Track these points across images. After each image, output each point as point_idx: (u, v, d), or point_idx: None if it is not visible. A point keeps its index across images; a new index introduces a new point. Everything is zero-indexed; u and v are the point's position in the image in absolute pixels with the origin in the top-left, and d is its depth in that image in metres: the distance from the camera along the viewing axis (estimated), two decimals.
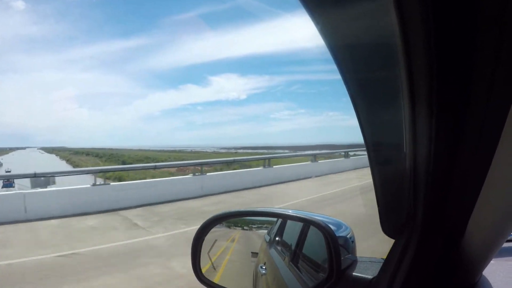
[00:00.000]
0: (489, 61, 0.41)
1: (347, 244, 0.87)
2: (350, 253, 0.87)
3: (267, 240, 1.18)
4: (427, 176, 0.57)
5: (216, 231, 1.09)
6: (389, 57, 0.49)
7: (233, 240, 1.15)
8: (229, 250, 1.18)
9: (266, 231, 1.22)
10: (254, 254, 1.19)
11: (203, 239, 1.04)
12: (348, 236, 0.88)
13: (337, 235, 0.83)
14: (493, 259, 0.88)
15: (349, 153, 21.42)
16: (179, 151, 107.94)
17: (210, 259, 1.08)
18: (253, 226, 1.15)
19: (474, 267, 0.71)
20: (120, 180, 18.99)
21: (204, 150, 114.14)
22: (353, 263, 0.85)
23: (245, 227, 1.14)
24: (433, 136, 0.51)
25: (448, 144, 0.52)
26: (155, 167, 15.28)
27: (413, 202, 0.64)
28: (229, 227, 1.13)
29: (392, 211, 0.74)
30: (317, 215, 0.90)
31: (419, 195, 0.62)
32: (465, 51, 0.42)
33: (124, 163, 39.31)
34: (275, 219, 1.14)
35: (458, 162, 0.53)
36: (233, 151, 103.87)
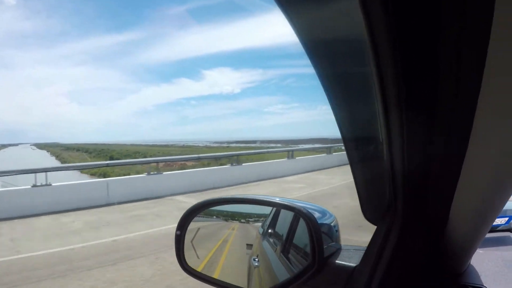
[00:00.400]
0: (452, 59, 0.42)
1: (331, 232, 0.85)
2: (334, 241, 0.85)
3: (261, 232, 1.17)
4: (403, 168, 0.58)
5: (213, 225, 1.11)
6: (361, 54, 0.49)
7: (227, 238, 1.14)
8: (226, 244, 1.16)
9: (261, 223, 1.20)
10: (249, 246, 1.17)
11: (187, 228, 1.03)
12: (332, 224, 0.87)
13: (320, 222, 0.82)
14: (481, 249, 0.91)
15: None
16: (172, 146, 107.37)
17: (194, 248, 1.06)
18: (250, 219, 1.13)
19: (460, 256, 0.71)
20: (105, 177, 18.63)
21: (196, 145, 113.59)
22: (337, 251, 0.84)
23: (242, 220, 1.13)
24: (405, 131, 0.52)
25: (421, 138, 0.53)
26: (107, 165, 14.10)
27: (393, 192, 0.64)
28: (226, 220, 1.12)
29: (372, 199, 0.74)
30: (302, 202, 0.88)
31: (398, 186, 0.62)
32: (429, 49, 0.43)
33: (111, 158, 38.82)
34: (267, 211, 1.12)
35: (433, 155, 0.54)
36: (225, 145, 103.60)
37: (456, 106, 0.46)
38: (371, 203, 0.76)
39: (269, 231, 1.14)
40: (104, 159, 40.71)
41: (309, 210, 0.84)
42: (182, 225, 1.02)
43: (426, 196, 0.62)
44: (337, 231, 0.88)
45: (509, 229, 1.15)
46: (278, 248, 1.07)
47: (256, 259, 1.15)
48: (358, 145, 0.68)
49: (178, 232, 1.02)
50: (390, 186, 0.64)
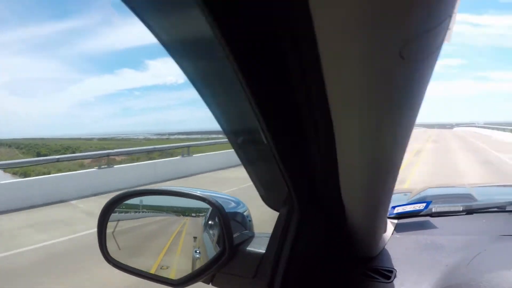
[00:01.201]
0: (294, 61, 0.42)
1: (244, 221, 0.88)
2: (248, 229, 0.88)
3: (203, 223, 1.09)
4: (283, 159, 0.59)
5: (161, 221, 1.08)
6: (216, 53, 0.46)
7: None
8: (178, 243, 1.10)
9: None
10: (195, 239, 1.11)
11: (108, 220, 1.01)
12: (245, 214, 0.90)
13: (232, 211, 0.85)
14: (399, 234, 1.02)
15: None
16: (111, 139, 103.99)
17: (115, 240, 1.05)
18: (200, 214, 1.07)
19: (368, 240, 0.76)
20: (25, 176, 18.68)
21: (136, 137, 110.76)
22: (249, 238, 0.86)
23: (192, 214, 1.08)
24: (273, 130, 0.52)
25: (285, 134, 0.55)
26: None
27: (284, 181, 0.65)
28: (177, 215, 1.08)
29: (269, 188, 0.77)
30: (216, 193, 0.90)
31: (285, 176, 0.63)
32: (271, 53, 0.43)
33: (39, 154, 37.68)
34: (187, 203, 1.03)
35: (306, 148, 0.58)
36: (166, 137, 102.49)
37: (309, 102, 0.47)
38: (270, 193, 0.78)
39: (209, 222, 1.07)
40: (32, 156, 39.11)
41: (219, 200, 0.85)
42: (103, 218, 1.01)
43: (315, 186, 0.65)
44: (250, 220, 0.90)
45: (429, 214, 1.16)
46: (215, 238, 1.03)
47: (198, 251, 1.09)
48: (240, 137, 0.68)
49: (100, 224, 1.00)
50: (283, 175, 0.64)
